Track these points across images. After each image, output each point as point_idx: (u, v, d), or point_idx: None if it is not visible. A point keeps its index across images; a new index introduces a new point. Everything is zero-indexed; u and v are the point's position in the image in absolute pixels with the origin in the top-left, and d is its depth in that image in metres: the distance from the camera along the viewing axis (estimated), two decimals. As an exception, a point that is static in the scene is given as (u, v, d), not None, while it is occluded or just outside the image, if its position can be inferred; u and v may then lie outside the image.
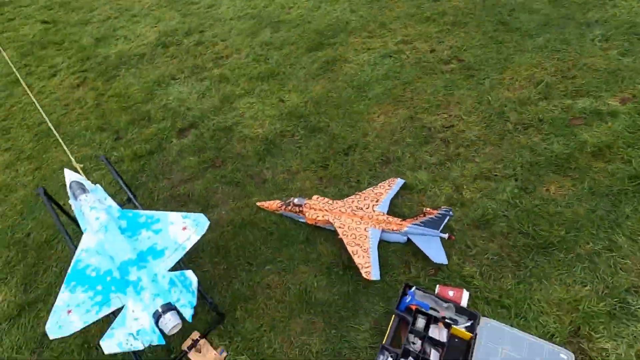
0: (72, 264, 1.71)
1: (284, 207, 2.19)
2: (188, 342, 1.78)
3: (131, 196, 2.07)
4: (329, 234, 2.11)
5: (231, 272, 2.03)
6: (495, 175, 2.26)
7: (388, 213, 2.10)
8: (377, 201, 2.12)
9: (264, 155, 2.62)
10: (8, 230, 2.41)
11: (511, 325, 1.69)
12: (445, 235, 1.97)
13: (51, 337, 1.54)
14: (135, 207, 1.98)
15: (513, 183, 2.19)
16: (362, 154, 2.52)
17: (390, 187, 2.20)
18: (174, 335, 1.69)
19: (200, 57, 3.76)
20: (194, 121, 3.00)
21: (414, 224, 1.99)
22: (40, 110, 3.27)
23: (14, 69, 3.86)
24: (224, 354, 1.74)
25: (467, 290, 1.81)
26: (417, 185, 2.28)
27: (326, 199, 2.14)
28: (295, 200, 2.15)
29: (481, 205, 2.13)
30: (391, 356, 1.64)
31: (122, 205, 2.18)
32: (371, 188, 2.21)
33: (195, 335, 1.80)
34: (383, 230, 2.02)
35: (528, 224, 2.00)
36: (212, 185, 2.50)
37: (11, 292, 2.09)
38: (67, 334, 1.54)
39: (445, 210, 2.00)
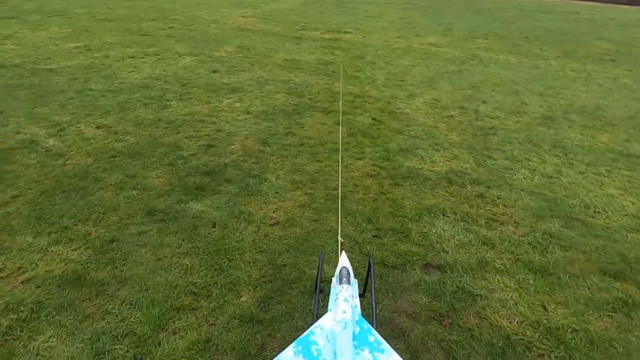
0: (307, 331, 1.94)
1: None
2: None
3: (374, 310, 2.22)
4: None
5: None
6: None
7: None
8: None
9: (497, 355, 2.31)
10: (277, 254, 3.09)
11: None
12: None
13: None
14: (371, 322, 2.11)
15: None
16: None
17: None
18: None
19: (476, 208, 3.86)
20: (444, 265, 3.03)
21: None
22: (339, 180, 4.15)
23: (340, 143, 5.12)
24: None
25: None
26: None
27: None
28: None
29: None
30: None
31: (360, 297, 2.41)
32: None
33: None
34: None
35: None
36: (428, 340, 2.40)
37: (252, 301, 2.61)
38: (272, 389, 1.74)
39: None
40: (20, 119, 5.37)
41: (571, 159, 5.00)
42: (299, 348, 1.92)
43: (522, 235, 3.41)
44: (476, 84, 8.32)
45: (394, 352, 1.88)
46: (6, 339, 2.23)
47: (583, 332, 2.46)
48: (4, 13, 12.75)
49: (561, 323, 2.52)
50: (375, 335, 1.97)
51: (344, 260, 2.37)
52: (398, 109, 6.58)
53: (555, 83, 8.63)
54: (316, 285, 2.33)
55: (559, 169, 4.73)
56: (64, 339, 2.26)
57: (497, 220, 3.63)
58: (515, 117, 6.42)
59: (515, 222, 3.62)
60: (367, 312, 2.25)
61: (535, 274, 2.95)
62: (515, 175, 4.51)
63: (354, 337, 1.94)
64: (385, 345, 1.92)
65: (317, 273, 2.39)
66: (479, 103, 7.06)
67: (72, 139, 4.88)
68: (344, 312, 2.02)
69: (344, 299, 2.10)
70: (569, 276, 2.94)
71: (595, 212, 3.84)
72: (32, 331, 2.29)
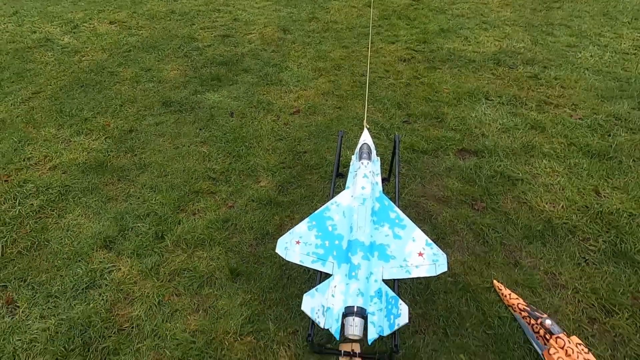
0: (322, 207, 1.78)
1: (526, 313, 1.68)
2: (347, 346, 1.67)
3: (397, 187, 2.00)
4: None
5: (422, 325, 1.75)
6: None
7: None
8: None
9: (534, 238, 2.08)
10: (296, 141, 2.87)
11: None
12: None
13: (277, 250, 1.69)
14: (393, 199, 1.91)
15: None
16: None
17: None
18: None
19: (527, 90, 3.29)
20: (482, 150, 2.68)
21: None
22: (367, 67, 3.67)
23: (370, 26, 4.45)
24: (368, 393, 1.55)
25: None
26: None
27: (591, 357, 1.49)
28: (547, 322, 1.59)
29: None
30: None
31: (384, 181, 2.20)
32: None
33: (357, 347, 1.68)
34: None
35: None
36: (457, 222, 2.20)
37: (270, 185, 2.50)
38: (286, 259, 1.66)
39: None
40: (35, 18, 5.12)
41: (657, 32, 4.04)
42: (313, 223, 1.78)
43: (580, 118, 2.90)
44: (543, -51, 6.69)
45: (417, 228, 1.69)
46: (39, 217, 2.33)
47: (643, 216, 2.13)
48: None
49: (616, 208, 2.19)
50: (396, 212, 1.76)
51: (365, 137, 2.10)
52: (441, -15, 5.51)
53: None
54: (335, 165, 2.12)
55: (639, 44, 3.85)
56: (91, 217, 2.32)
57: (551, 103, 3.10)
58: (590, -13, 5.17)
59: (573, 104, 3.07)
60: (392, 196, 2.05)
61: (591, 157, 2.54)
62: (580, 53, 3.74)
63: (374, 214, 1.75)
64: (407, 221, 1.72)
65: (337, 152, 2.16)
66: (543, -27, 5.73)
67: (86, 35, 4.62)
68: (362, 188, 1.83)
69: (364, 175, 1.87)
70: (633, 160, 2.51)
71: (679, 90, 3.15)
72: (61, 210, 2.36)
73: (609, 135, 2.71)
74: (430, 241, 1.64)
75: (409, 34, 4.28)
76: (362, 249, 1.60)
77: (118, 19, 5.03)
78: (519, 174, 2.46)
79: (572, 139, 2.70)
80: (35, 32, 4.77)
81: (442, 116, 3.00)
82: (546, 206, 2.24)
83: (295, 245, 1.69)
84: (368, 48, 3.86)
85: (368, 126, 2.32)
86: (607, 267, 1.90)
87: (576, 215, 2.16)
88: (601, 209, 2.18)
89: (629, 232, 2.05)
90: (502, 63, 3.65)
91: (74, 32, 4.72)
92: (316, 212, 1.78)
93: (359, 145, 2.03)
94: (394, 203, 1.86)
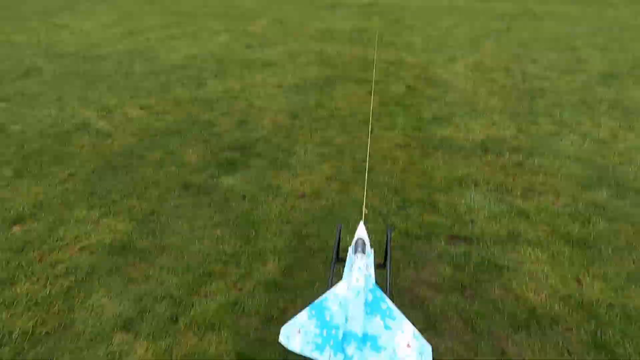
0: (322, 297, 2.03)
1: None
2: None
3: (388, 280, 2.26)
4: None
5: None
6: None
7: None
8: None
9: (519, 327, 2.25)
10: (302, 226, 3.18)
11: None
12: None
13: (280, 339, 1.90)
14: (385, 291, 2.14)
15: None
16: None
17: None
18: None
19: (512, 177, 3.63)
20: (470, 237, 2.93)
21: None
22: (367, 155, 4.10)
23: (371, 115, 5.01)
24: None
25: None
26: None
27: None
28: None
29: None
30: None
31: (379, 266, 2.46)
32: None
33: None
34: None
35: None
36: (447, 309, 2.38)
37: (276, 269, 2.77)
38: (287, 348, 1.87)
39: None
40: (75, 103, 5.88)
41: (632, 122, 4.48)
42: (313, 312, 2.02)
43: (563, 206, 3.19)
44: (527, 41, 7.57)
45: (405, 319, 1.92)
46: (67, 298, 2.59)
47: (620, 308, 2.30)
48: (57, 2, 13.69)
49: (596, 297, 2.37)
50: (387, 303, 2.01)
51: (360, 232, 2.40)
52: (435, 74, 6.24)
53: (624, 35, 7.60)
54: (333, 256, 2.40)
55: (616, 133, 4.27)
56: (113, 298, 2.57)
57: (535, 190, 3.41)
58: (569, 77, 5.81)
59: (556, 191, 3.38)
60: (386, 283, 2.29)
61: (573, 246, 2.77)
62: (561, 141, 4.16)
63: (366, 304, 2.00)
64: (397, 312, 1.96)
65: (335, 243, 2.45)
66: (527, 63, 6.46)
67: (119, 119, 5.27)
68: (357, 280, 2.08)
69: (358, 268, 2.15)
70: (613, 249, 2.73)
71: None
72: (87, 291, 2.63)
73: (589, 223, 2.97)
74: (417, 333, 1.84)
75: (405, 121, 4.81)
76: (355, 340, 1.80)
77: (147, 104, 5.74)
78: (505, 261, 2.69)
79: (555, 227, 2.96)
80: (74, 116, 5.45)
81: (434, 202, 3.32)
82: (530, 295, 2.43)
83: (297, 335, 1.91)
84: (368, 136, 4.35)
85: (366, 211, 2.63)
86: (589, 359, 2.04)
87: (558, 305, 2.34)
88: (581, 299, 2.36)
89: (608, 322, 2.21)
90: (489, 150, 4.06)
91: (108, 117, 5.39)
92: (316, 301, 2.02)
93: (354, 240, 2.33)
94: (386, 293, 2.11)
